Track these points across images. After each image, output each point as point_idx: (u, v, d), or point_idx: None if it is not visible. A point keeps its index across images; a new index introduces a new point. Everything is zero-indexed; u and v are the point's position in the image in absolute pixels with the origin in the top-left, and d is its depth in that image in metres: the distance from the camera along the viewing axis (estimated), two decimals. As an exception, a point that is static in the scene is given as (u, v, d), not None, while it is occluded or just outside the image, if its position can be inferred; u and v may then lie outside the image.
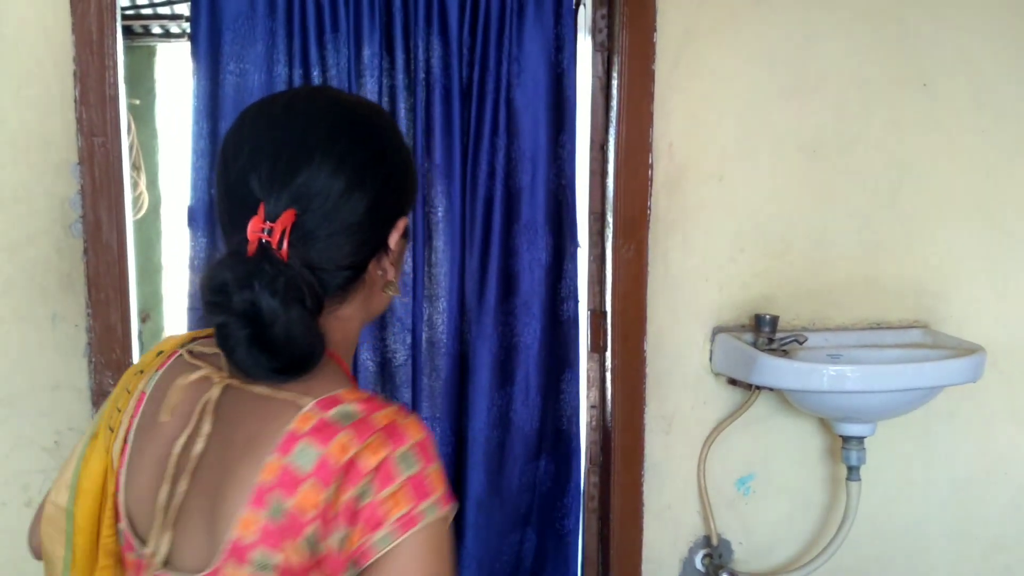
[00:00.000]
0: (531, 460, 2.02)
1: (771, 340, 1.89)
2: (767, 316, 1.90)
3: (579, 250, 1.99)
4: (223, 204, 0.92)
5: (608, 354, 1.98)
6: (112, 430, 0.99)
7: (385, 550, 0.83)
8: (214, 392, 0.92)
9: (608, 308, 1.97)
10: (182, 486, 0.90)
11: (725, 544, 2.06)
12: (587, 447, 2.05)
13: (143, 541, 0.93)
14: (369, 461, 0.83)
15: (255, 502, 0.84)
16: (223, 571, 0.85)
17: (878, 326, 2.03)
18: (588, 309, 2.01)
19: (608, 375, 2.00)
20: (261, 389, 0.90)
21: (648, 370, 1.99)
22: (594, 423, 2.05)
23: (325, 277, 0.90)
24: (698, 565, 2.06)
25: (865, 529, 2.10)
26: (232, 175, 0.90)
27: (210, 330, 0.92)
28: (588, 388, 2.04)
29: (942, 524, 2.16)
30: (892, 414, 1.92)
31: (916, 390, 1.82)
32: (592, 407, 2.05)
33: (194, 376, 0.94)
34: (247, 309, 0.84)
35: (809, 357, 1.86)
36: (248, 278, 0.84)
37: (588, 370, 2.04)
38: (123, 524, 0.96)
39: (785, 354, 1.85)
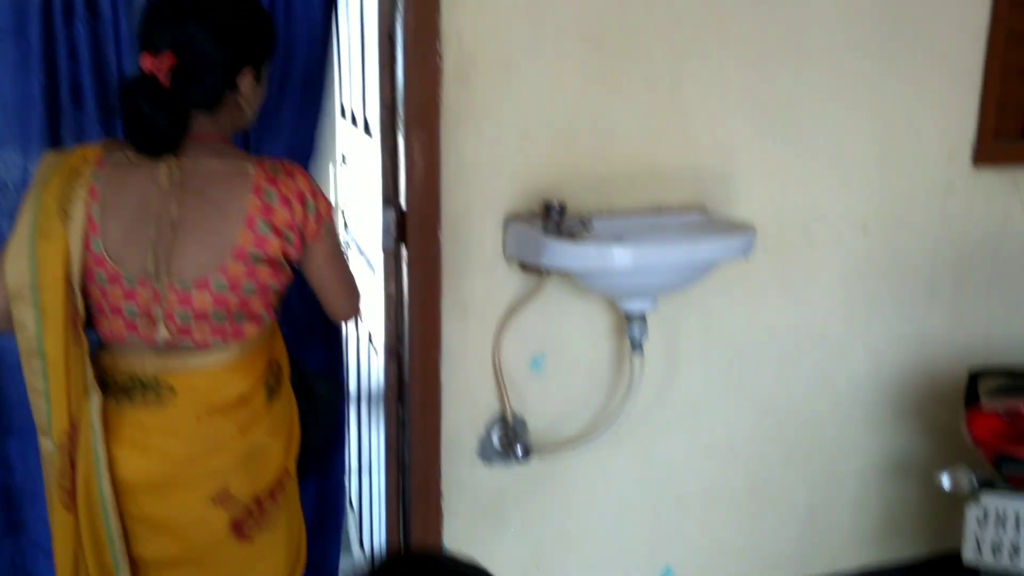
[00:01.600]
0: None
1: (559, 226, 1.98)
2: (555, 203, 1.99)
3: (372, 142, 2.00)
4: (138, 45, 1.54)
5: (404, 245, 2.02)
6: (69, 216, 1.49)
7: (324, 231, 1.59)
8: (173, 167, 1.52)
9: (403, 199, 2.00)
10: (166, 230, 1.49)
11: (520, 421, 2.19)
12: (385, 336, 2.10)
13: (135, 275, 1.50)
14: (304, 188, 1.55)
15: (248, 224, 1.51)
16: (229, 266, 1.51)
17: (659, 210, 2.17)
18: (383, 201, 2.03)
19: (404, 266, 2.04)
20: (210, 164, 1.54)
21: (444, 259, 2.04)
22: (391, 313, 2.10)
23: (196, 98, 1.53)
24: (495, 442, 2.18)
25: (651, 400, 2.28)
26: (142, 28, 1.53)
27: (105, 142, 1.60)
28: (386, 280, 2.08)
29: (720, 391, 2.37)
30: (672, 290, 2.07)
31: (692, 266, 1.97)
32: (389, 298, 2.09)
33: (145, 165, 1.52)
34: (141, 112, 1.47)
35: (594, 240, 1.96)
36: (140, 94, 1.46)
37: (385, 262, 2.07)
38: (103, 271, 1.51)
39: (572, 238, 1.95)
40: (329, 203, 1.61)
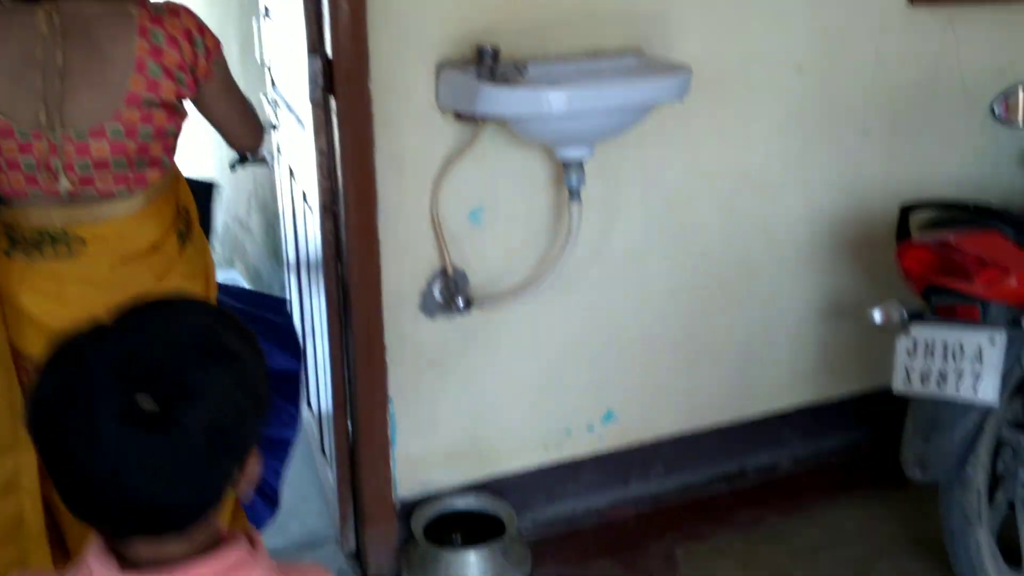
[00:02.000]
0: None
1: (493, 71, 1.94)
2: (488, 48, 1.94)
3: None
4: None
5: (332, 97, 1.96)
6: None
7: (214, 67, 1.58)
8: (52, 12, 1.45)
9: (328, 50, 1.93)
10: (54, 79, 1.44)
11: (460, 274, 2.19)
12: (319, 193, 2.07)
13: (27, 128, 1.45)
14: (191, 26, 1.53)
15: (138, 69, 1.48)
16: (123, 113, 1.48)
17: (595, 54, 2.13)
18: (308, 50, 1.96)
19: (334, 119, 1.99)
20: (90, 6, 1.48)
21: (375, 111, 2.00)
22: (324, 169, 2.06)
23: None
24: (436, 295, 2.19)
25: (590, 248, 2.29)
26: None
27: None
28: (316, 134, 2.03)
29: (659, 237, 2.39)
30: (608, 135, 2.06)
31: (628, 109, 1.95)
32: (320, 153, 2.04)
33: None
34: None
35: (529, 84, 1.93)
36: None
37: (314, 116, 2.02)
38: None
39: (506, 83, 1.91)
40: (216, 38, 1.59)
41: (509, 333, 2.32)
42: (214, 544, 0.94)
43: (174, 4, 1.55)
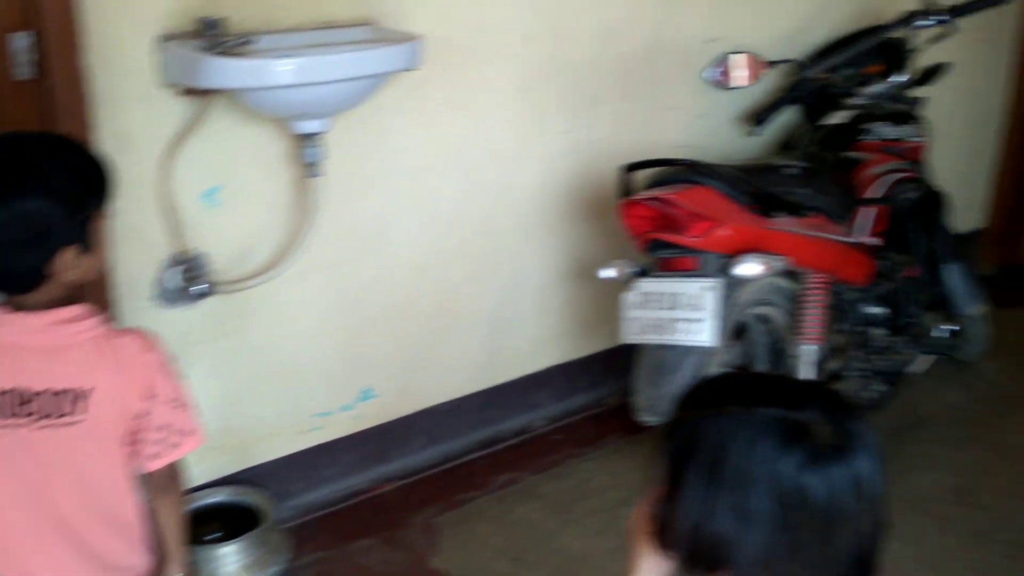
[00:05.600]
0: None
1: (220, 43, 1.99)
2: (213, 19, 1.98)
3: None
4: None
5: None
6: None
7: None
8: None
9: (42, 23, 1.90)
10: None
11: (198, 257, 2.21)
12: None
13: None
14: None
15: None
16: None
17: (328, 26, 2.21)
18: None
19: (53, 100, 1.96)
20: None
21: (96, 89, 1.98)
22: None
23: None
24: (175, 282, 2.20)
25: (335, 225, 2.37)
26: None
27: None
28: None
29: (404, 210, 2.51)
30: (343, 107, 2.14)
31: (360, 79, 2.06)
32: (35, 134, 2.00)
33: None
34: None
35: (256, 55, 1.99)
36: None
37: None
38: None
39: (232, 55, 1.97)
40: None
41: (256, 317, 2.36)
42: (66, 303, 1.43)
43: None
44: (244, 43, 2.01)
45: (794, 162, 2.50)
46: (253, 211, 2.28)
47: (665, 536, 1.07)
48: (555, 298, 2.90)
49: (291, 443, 2.53)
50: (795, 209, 2.33)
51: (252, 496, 2.42)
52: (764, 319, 2.59)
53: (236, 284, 2.27)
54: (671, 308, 2.26)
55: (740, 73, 2.61)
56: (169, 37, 2.02)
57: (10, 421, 1.43)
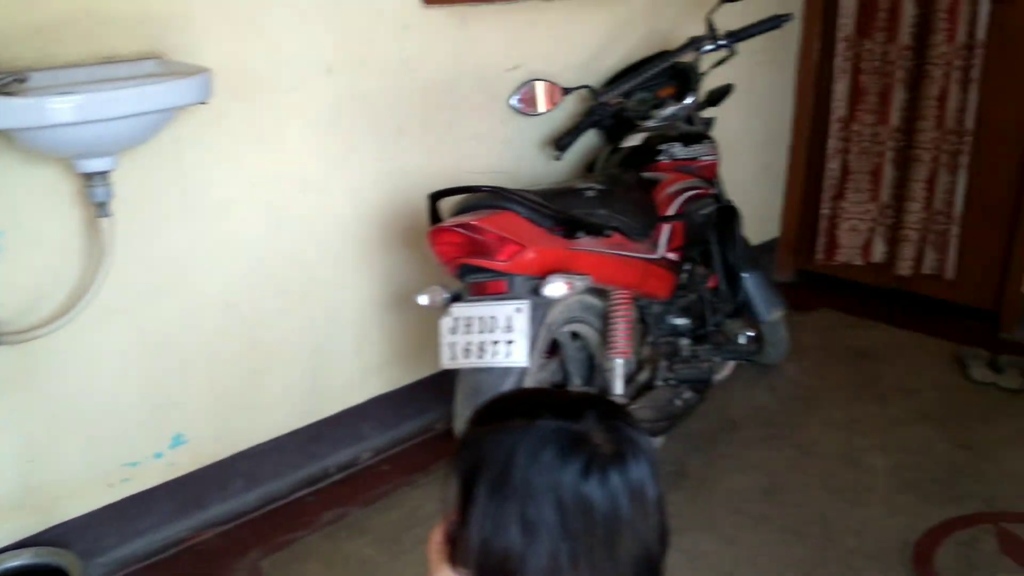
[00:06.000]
0: None
1: (-12, 81, 1.83)
2: (-21, 55, 1.83)
3: None
4: None
5: None
6: None
7: None
8: None
9: None
10: None
11: (-19, 307, 2.04)
12: None
13: None
14: None
15: None
16: None
17: (111, 60, 2.08)
18: None
19: None
20: None
21: None
22: None
23: None
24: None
25: (132, 264, 2.22)
26: None
27: None
28: None
29: (208, 246, 2.38)
30: (130, 143, 2.02)
31: (145, 114, 1.93)
32: None
33: None
34: None
35: (30, 94, 1.84)
36: None
37: None
38: None
39: (4, 94, 1.81)
40: None
41: (52, 367, 2.19)
42: None
43: None
44: (17, 81, 1.85)
45: (594, 184, 2.52)
46: (40, 256, 2.11)
47: (458, 554, 1.05)
48: (375, 327, 2.82)
49: (99, 497, 2.35)
50: (596, 230, 2.34)
51: (59, 556, 2.24)
52: (576, 336, 2.60)
53: (25, 334, 2.09)
54: (485, 331, 2.23)
55: (540, 100, 2.61)
56: (-68, 77, 1.85)
57: None
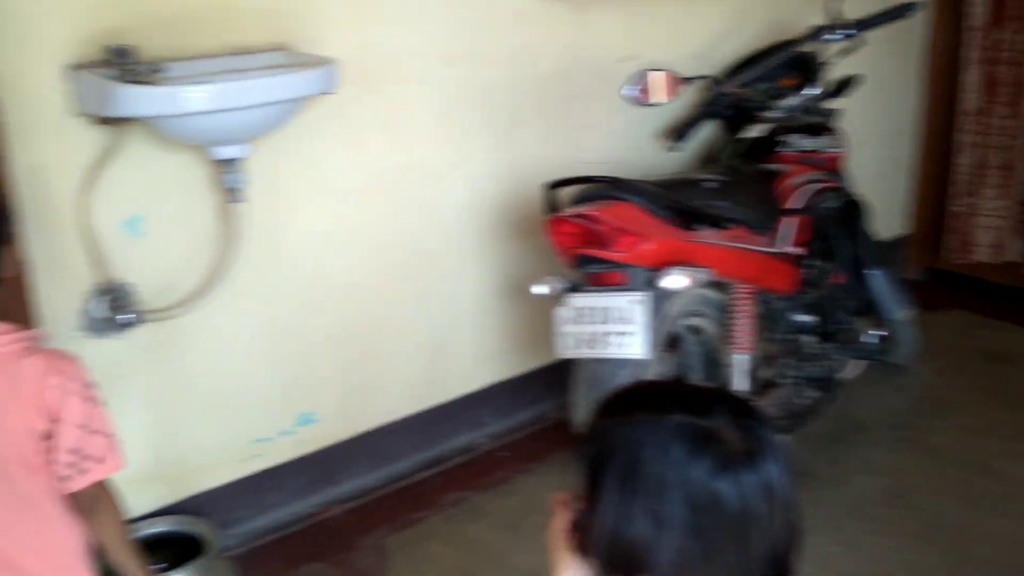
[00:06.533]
0: None
1: (131, 72, 1.85)
2: (123, 47, 1.85)
3: None
4: None
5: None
6: None
7: None
8: None
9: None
10: None
11: (123, 287, 2.06)
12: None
13: None
14: None
15: None
16: None
17: (242, 52, 2.08)
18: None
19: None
20: None
21: (5, 120, 1.83)
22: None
23: None
24: (100, 311, 2.05)
25: (262, 251, 2.23)
26: None
27: None
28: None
29: (334, 232, 2.37)
30: (260, 131, 2.02)
31: (275, 103, 1.93)
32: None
33: None
34: None
35: (167, 83, 1.86)
36: None
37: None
38: None
39: (143, 83, 1.83)
40: None
41: (188, 345, 2.22)
42: None
43: None
44: (155, 71, 1.88)
45: (714, 176, 2.39)
46: (177, 239, 2.14)
47: (584, 542, 1.04)
48: (492, 316, 2.76)
49: (232, 471, 2.38)
50: (716, 222, 2.22)
51: (195, 525, 2.26)
52: (696, 330, 2.48)
53: (164, 313, 2.12)
54: (602, 322, 2.14)
55: (658, 90, 2.49)
56: (79, 66, 1.89)
57: None
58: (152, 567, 2.10)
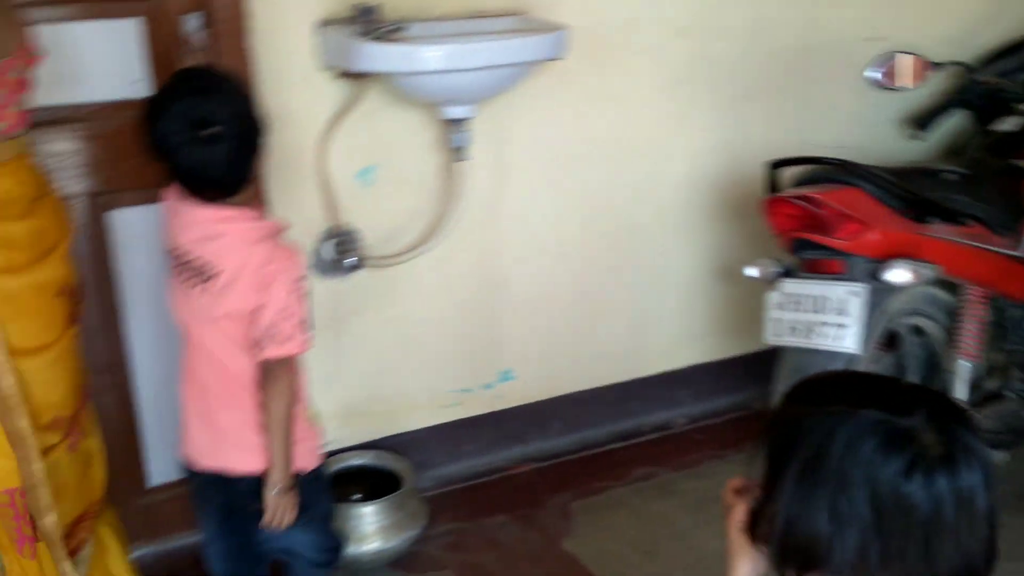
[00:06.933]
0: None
1: (373, 30, 1.95)
2: (368, 5, 1.95)
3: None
4: None
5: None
6: None
7: None
8: None
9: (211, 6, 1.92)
10: None
11: (352, 232, 2.19)
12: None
13: None
14: None
15: None
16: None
17: (477, 16, 2.14)
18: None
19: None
20: None
21: (258, 70, 1.98)
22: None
23: None
24: (328, 254, 2.18)
25: (480, 209, 2.30)
26: None
27: None
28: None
29: (548, 198, 2.40)
30: (488, 93, 2.07)
31: (504, 66, 1.97)
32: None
33: None
34: None
35: (407, 41, 1.94)
36: None
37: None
38: None
39: (385, 40, 1.92)
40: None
41: (403, 293, 2.32)
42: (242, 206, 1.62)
43: None
44: (396, 29, 1.96)
45: (956, 168, 2.21)
46: (403, 191, 2.23)
47: (759, 530, 1.01)
48: (699, 295, 2.71)
49: (433, 416, 2.48)
50: (952, 216, 2.05)
51: (394, 462, 2.38)
52: (918, 330, 2.32)
53: (385, 260, 2.23)
54: (815, 311, 2.05)
55: (905, 74, 2.32)
56: (327, 23, 2.00)
57: (176, 271, 1.65)
58: (352, 497, 2.26)
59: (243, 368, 1.65)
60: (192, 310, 1.64)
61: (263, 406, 1.66)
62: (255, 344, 1.61)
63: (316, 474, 1.80)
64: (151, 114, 1.55)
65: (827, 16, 2.58)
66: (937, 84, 2.64)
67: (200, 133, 1.52)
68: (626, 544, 2.32)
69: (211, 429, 1.71)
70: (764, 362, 2.65)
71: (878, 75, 2.35)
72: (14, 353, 1.51)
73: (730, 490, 1.09)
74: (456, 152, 2.13)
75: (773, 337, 2.12)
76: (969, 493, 0.91)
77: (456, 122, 2.09)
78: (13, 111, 1.48)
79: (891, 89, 2.37)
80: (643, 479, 2.56)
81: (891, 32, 2.61)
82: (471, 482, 2.53)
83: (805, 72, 2.60)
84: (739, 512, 1.07)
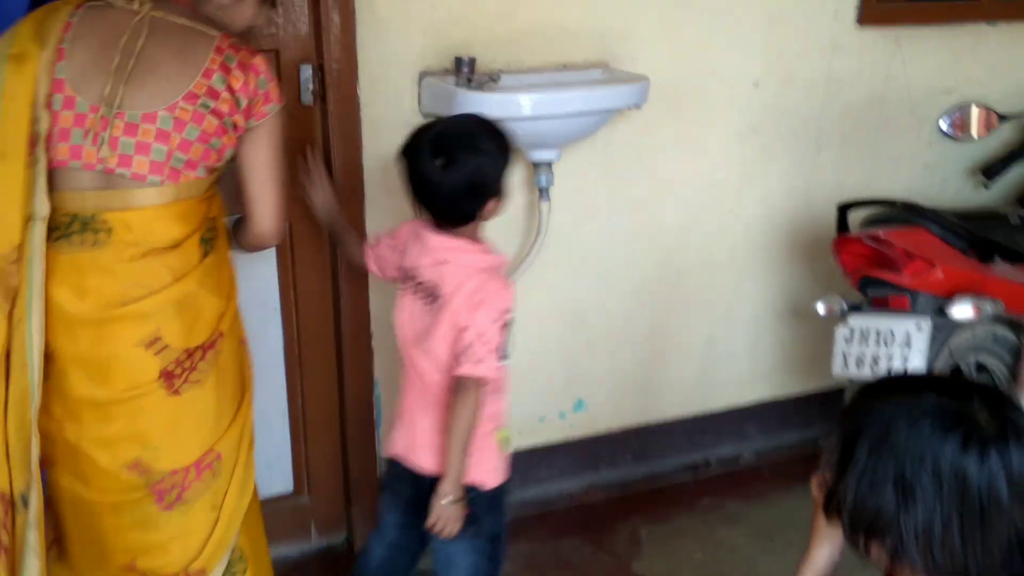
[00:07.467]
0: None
1: (470, 80, 2.10)
2: (466, 58, 2.10)
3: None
4: None
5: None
6: (43, 45, 1.54)
7: (269, 115, 1.63)
8: (146, 11, 1.57)
9: (324, 58, 2.09)
10: (127, 61, 1.55)
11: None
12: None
13: (88, 102, 1.54)
14: (262, 69, 1.61)
15: (205, 75, 1.56)
16: (178, 106, 1.55)
17: (565, 67, 2.28)
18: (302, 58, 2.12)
19: (329, 122, 2.14)
20: (180, 20, 1.58)
21: (363, 116, 2.14)
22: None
23: None
24: (420, 286, 2.31)
25: (561, 248, 2.42)
26: None
27: None
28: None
29: (624, 238, 2.52)
30: (573, 138, 2.20)
31: (589, 113, 2.10)
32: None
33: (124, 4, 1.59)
34: None
35: (501, 91, 2.08)
36: None
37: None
38: (60, 95, 1.53)
39: (481, 90, 2.07)
40: (280, 93, 1.65)
41: (487, 324, 2.44)
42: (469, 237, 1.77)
43: (254, 50, 1.63)
44: (491, 80, 2.11)
45: (1020, 212, 2.27)
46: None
47: (831, 506, 1.11)
48: (768, 332, 2.79)
49: (514, 441, 2.56)
50: (1015, 256, 2.12)
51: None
52: (982, 367, 2.37)
53: (471, 293, 2.35)
54: (882, 344, 2.13)
55: (973, 125, 2.40)
56: (427, 73, 2.16)
57: (409, 289, 1.80)
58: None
59: (443, 380, 1.76)
60: (414, 323, 1.79)
61: (449, 419, 1.75)
62: (454, 359, 1.72)
63: (494, 493, 1.85)
64: (408, 143, 1.74)
65: (900, 71, 2.66)
66: (1006, 136, 2.71)
67: (435, 163, 1.68)
68: (693, 568, 2.40)
69: (411, 429, 1.83)
70: (831, 400, 2.73)
71: (948, 126, 2.44)
72: None
73: (815, 484, 1.19)
74: (540, 193, 2.27)
75: (840, 370, 2.20)
76: (1021, 471, 1.00)
77: (541, 165, 2.23)
78: None
79: (961, 140, 2.45)
80: (710, 508, 2.63)
81: (961, 85, 2.70)
82: (544, 507, 2.62)
83: (878, 124, 2.69)
84: (817, 497, 1.17)
